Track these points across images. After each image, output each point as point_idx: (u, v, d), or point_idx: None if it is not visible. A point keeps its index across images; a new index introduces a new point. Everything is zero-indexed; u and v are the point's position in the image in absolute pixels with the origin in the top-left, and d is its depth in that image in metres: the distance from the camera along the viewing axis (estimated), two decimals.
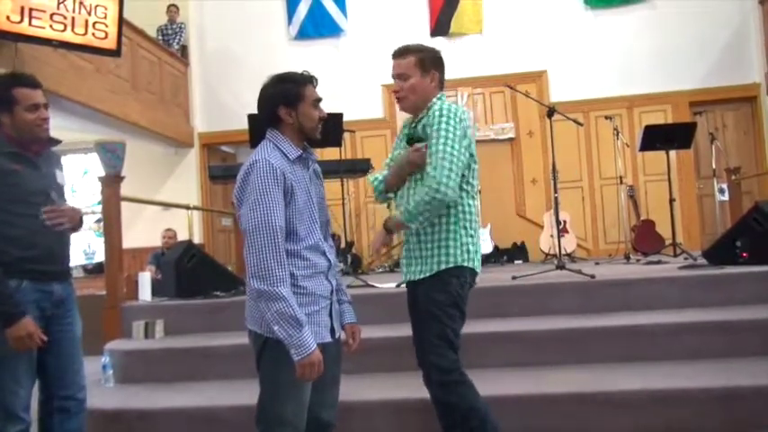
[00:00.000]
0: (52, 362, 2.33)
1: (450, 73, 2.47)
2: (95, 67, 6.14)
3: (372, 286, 4.18)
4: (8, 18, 4.63)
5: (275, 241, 1.88)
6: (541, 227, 7.35)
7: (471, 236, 2.27)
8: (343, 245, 6.51)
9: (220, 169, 5.53)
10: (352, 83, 7.91)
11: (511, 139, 8.14)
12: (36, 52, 5.10)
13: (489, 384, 2.97)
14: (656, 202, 7.28)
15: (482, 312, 3.72)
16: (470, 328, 3.44)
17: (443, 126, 2.18)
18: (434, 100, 2.32)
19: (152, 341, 3.83)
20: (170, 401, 3.12)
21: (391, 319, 3.56)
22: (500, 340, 3.33)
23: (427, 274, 2.23)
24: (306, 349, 1.85)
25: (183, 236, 6.20)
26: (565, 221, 6.41)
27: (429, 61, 2.33)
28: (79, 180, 9.33)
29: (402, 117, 8.27)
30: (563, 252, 4.82)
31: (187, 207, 6.04)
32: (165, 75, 7.82)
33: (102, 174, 4.24)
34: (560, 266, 4.33)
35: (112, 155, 4.93)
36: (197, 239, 7.05)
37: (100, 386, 3.40)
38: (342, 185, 5.18)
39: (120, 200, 4.24)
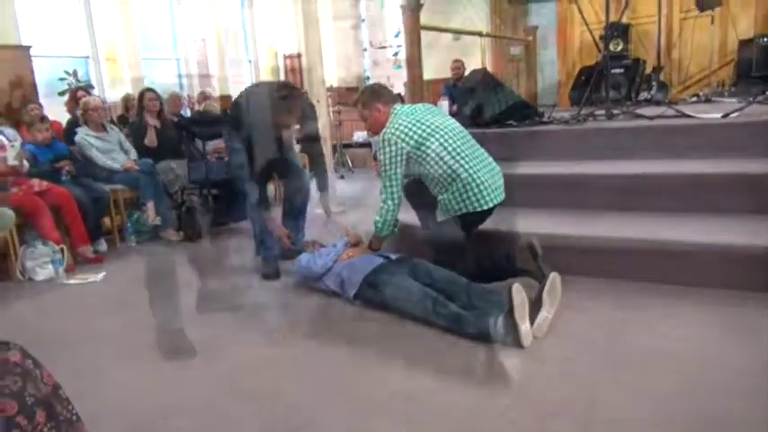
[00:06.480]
0: None
1: None
2: None
3: (691, 116, 3.59)
4: None
5: None
6: None
7: None
8: (649, 69, 5.72)
9: None
10: None
11: None
12: None
13: None
14: None
15: None
16: None
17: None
18: None
19: None
20: None
21: (715, 154, 3.07)
22: None
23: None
24: None
25: (471, 66, 6.16)
26: None
27: None
28: (378, 13, 9.80)
29: None
30: None
31: (480, 34, 5.92)
32: None
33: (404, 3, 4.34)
34: None
35: None
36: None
37: None
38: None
39: (419, 28, 4.32)
